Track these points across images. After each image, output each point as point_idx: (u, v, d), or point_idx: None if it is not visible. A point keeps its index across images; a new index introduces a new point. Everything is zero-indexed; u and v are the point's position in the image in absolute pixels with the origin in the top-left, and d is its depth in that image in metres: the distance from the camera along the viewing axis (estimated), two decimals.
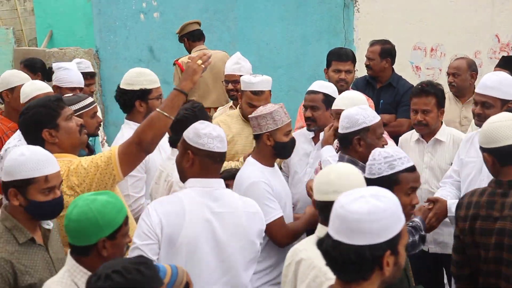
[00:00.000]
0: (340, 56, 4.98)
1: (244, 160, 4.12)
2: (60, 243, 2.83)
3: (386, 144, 3.43)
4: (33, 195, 2.57)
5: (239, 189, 3.43)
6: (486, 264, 2.91)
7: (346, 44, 6.83)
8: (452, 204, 3.46)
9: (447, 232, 3.94)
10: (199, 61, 3.04)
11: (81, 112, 3.64)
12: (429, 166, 4.11)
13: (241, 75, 4.56)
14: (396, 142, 4.30)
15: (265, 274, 3.47)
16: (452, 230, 3.84)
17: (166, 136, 3.58)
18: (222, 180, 2.97)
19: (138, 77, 3.95)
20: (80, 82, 4.85)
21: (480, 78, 3.90)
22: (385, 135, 3.67)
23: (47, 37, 9.90)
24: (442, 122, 4.17)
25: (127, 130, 3.81)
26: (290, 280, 2.57)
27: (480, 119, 3.68)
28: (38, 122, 3.02)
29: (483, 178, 3.66)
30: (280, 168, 4.08)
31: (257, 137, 3.56)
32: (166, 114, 2.93)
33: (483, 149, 3.02)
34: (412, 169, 2.85)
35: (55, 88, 4.64)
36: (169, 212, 2.80)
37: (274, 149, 3.51)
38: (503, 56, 5.73)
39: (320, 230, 2.53)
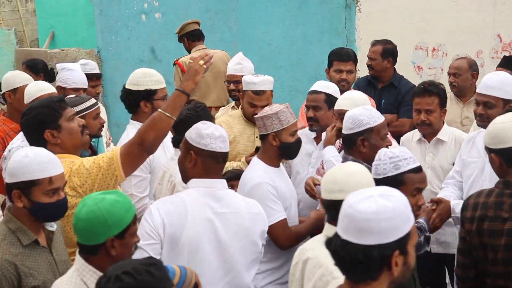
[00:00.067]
0: (342, 56, 4.99)
1: (246, 160, 4.13)
2: (63, 245, 2.82)
3: (391, 144, 3.42)
4: (37, 197, 2.56)
5: (243, 189, 3.42)
6: (494, 266, 2.88)
7: (348, 44, 6.83)
8: (455, 205, 3.45)
9: (449, 232, 3.94)
10: (201, 62, 3.04)
11: (84, 113, 3.63)
12: (431, 166, 4.11)
13: (243, 76, 4.56)
14: (398, 142, 4.30)
15: (271, 274, 3.48)
16: (454, 230, 3.85)
17: (171, 136, 3.59)
18: (224, 181, 2.97)
19: (143, 77, 3.95)
20: (84, 83, 4.85)
21: (482, 78, 3.90)
22: (388, 135, 3.67)
23: (49, 38, 9.91)
24: (443, 122, 4.17)
25: (132, 130, 3.81)
26: (297, 279, 2.57)
27: (482, 120, 3.67)
28: (40, 122, 3.02)
29: (485, 178, 3.66)
30: None
31: (262, 138, 3.55)
32: (168, 114, 2.93)
33: (490, 150, 3.00)
34: (418, 169, 2.84)
35: (59, 88, 4.64)
36: (171, 212, 2.80)
37: (280, 149, 3.50)
38: (504, 56, 5.73)
39: (328, 229, 2.53)
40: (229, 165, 4.05)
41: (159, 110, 2.96)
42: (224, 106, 6.11)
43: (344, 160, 3.36)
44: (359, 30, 7.00)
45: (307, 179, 3.88)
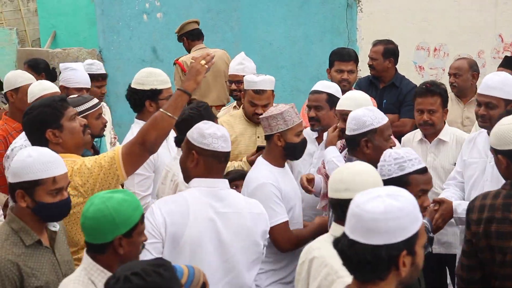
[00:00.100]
0: (343, 56, 4.99)
1: (247, 160, 4.13)
2: (66, 245, 2.82)
3: (394, 145, 3.39)
4: (40, 197, 2.55)
5: (247, 189, 3.42)
6: (502, 268, 2.85)
7: (349, 44, 6.83)
8: (457, 205, 3.44)
9: (451, 232, 3.94)
10: (203, 62, 3.04)
11: (86, 113, 3.63)
12: (432, 166, 4.10)
13: (244, 76, 4.56)
14: (399, 142, 4.29)
15: (274, 273, 3.47)
16: (456, 230, 3.84)
17: (175, 135, 3.59)
18: (226, 181, 2.97)
19: (148, 77, 3.96)
20: (87, 82, 4.85)
21: (483, 78, 3.89)
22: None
23: (51, 38, 9.91)
24: (445, 122, 4.17)
25: (137, 129, 3.79)
26: (303, 278, 2.57)
27: (484, 120, 3.66)
28: (42, 122, 3.02)
29: (487, 178, 3.66)
30: None
31: (267, 138, 3.54)
32: (169, 114, 2.93)
33: (496, 151, 2.97)
34: (423, 170, 2.82)
35: (62, 88, 4.64)
36: (173, 211, 2.80)
37: (285, 149, 3.49)
38: (506, 56, 5.72)
39: (334, 229, 2.53)
40: (231, 165, 4.04)
41: (161, 109, 2.96)
42: (224, 105, 6.13)
43: (348, 161, 3.33)
44: (360, 30, 7.00)
45: (301, 176, 3.88)
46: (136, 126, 3.93)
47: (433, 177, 4.01)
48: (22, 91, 4.42)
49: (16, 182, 2.56)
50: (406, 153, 2.84)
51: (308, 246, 2.63)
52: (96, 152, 3.65)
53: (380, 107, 5.09)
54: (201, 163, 2.88)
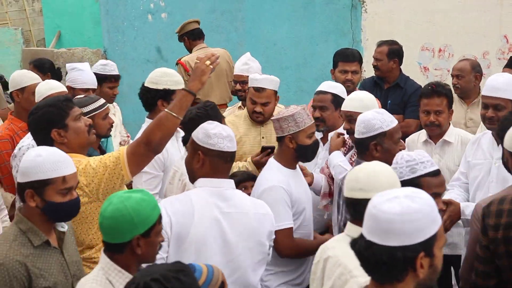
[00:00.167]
0: (347, 57, 4.98)
1: (252, 160, 4.13)
2: (74, 245, 2.82)
3: (404, 148, 3.37)
4: (50, 196, 2.54)
5: (257, 189, 3.42)
6: None
7: (354, 45, 6.83)
8: (465, 207, 3.41)
9: (456, 233, 3.93)
10: (208, 62, 3.04)
11: (93, 113, 3.64)
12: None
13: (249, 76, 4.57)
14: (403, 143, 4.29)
15: (284, 275, 3.47)
16: (461, 231, 3.83)
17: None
18: (232, 181, 2.96)
19: (163, 77, 3.98)
20: (93, 83, 4.86)
21: (488, 80, 3.86)
22: None
23: (55, 38, 9.93)
24: (450, 123, 4.15)
25: None
26: (318, 277, 2.56)
27: (492, 122, 3.64)
28: (47, 122, 3.02)
29: (492, 179, 3.64)
30: None
31: (279, 140, 3.52)
32: (174, 114, 2.92)
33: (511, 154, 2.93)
34: (436, 173, 2.80)
35: (68, 88, 4.64)
36: (178, 211, 2.80)
37: (296, 151, 3.47)
38: (511, 57, 5.71)
39: (349, 228, 2.53)
40: (235, 166, 4.04)
41: (166, 110, 2.96)
42: (226, 103, 6.13)
43: (357, 164, 3.28)
44: (365, 30, 7.00)
45: None
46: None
47: None
48: (28, 90, 4.42)
49: (25, 182, 2.54)
50: (419, 155, 2.82)
51: (323, 246, 2.63)
52: (103, 152, 3.65)
53: (384, 107, 5.07)
54: (207, 163, 2.87)
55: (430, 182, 2.76)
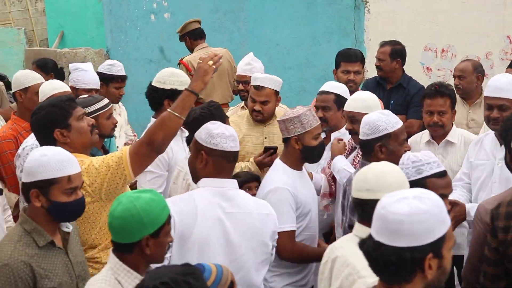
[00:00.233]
0: (349, 57, 4.98)
1: (255, 161, 4.13)
2: (79, 246, 2.81)
3: (409, 149, 3.35)
4: (55, 196, 2.53)
5: (262, 190, 3.42)
6: None
7: (357, 45, 6.82)
8: (470, 208, 3.40)
9: (459, 233, 3.91)
10: (210, 62, 3.05)
11: (97, 113, 3.64)
12: None
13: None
14: None
15: (289, 276, 3.46)
16: (464, 231, 3.82)
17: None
18: (235, 181, 2.96)
19: (170, 77, 3.98)
20: (96, 83, 4.85)
21: (490, 81, 3.85)
22: None
23: (58, 38, 9.94)
24: (453, 124, 4.15)
25: None
26: (326, 277, 2.56)
27: (496, 123, 3.62)
28: (50, 121, 3.03)
29: (495, 180, 3.64)
30: None
31: (285, 141, 3.51)
32: (177, 114, 2.93)
33: None
34: (442, 174, 2.79)
35: (71, 88, 4.63)
36: (181, 211, 2.80)
37: (302, 153, 3.46)
38: None
39: (357, 229, 2.53)
40: (237, 166, 4.04)
41: (168, 110, 2.97)
42: (228, 103, 6.14)
43: (362, 165, 3.25)
44: (368, 31, 6.99)
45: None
46: None
47: None
48: (31, 91, 4.42)
49: (30, 182, 2.54)
50: (425, 156, 2.81)
51: (332, 246, 2.63)
52: (106, 152, 3.65)
53: (387, 108, 5.08)
54: (210, 163, 2.87)
55: (436, 183, 2.74)
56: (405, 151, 3.23)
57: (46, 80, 4.67)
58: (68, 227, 2.68)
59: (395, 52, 5.39)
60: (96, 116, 3.61)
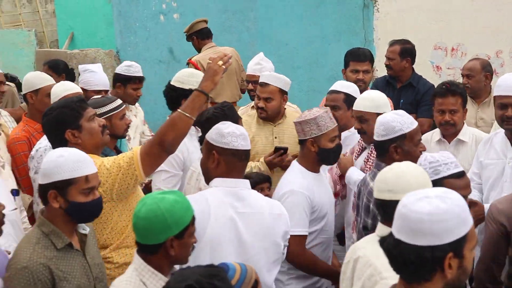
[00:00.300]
0: (358, 56, 4.98)
1: (265, 161, 4.13)
2: (96, 247, 2.82)
3: (425, 150, 3.34)
4: (73, 196, 2.54)
5: (279, 191, 3.41)
6: None
7: (366, 44, 6.80)
8: (487, 208, 3.38)
9: None
10: (220, 62, 3.05)
11: (111, 113, 3.66)
12: None
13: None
14: None
15: (306, 278, 3.46)
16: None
17: None
18: (247, 181, 2.96)
19: (190, 77, 3.98)
20: (105, 84, 4.86)
21: (500, 80, 3.82)
22: None
23: (68, 39, 9.97)
24: (464, 122, 4.13)
25: None
26: (348, 277, 2.56)
27: (510, 123, 3.61)
28: (61, 122, 3.04)
29: (506, 179, 3.62)
30: None
31: (301, 142, 3.50)
32: (187, 114, 2.93)
33: None
34: (460, 175, 2.78)
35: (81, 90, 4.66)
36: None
37: (318, 155, 3.44)
38: None
39: (380, 229, 2.52)
40: (247, 165, 4.03)
41: (179, 110, 2.97)
42: (236, 101, 6.15)
43: (377, 167, 3.26)
44: (377, 30, 6.97)
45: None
46: None
47: None
48: (41, 92, 4.43)
49: (48, 183, 2.54)
50: (442, 156, 2.79)
51: (354, 246, 2.63)
52: (119, 153, 3.67)
53: (397, 107, 5.07)
54: (222, 163, 2.88)
55: (454, 184, 2.71)
56: (420, 152, 3.22)
57: (58, 81, 4.70)
58: (85, 229, 2.68)
59: (405, 51, 5.37)
60: (110, 117, 3.63)
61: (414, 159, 3.01)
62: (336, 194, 3.93)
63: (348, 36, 7.08)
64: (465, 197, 2.79)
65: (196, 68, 6.08)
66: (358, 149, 3.92)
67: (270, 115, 4.35)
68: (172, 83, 4.03)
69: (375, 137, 3.30)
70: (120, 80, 4.91)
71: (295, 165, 3.52)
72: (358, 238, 3.31)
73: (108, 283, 2.72)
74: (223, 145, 2.86)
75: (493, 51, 6.48)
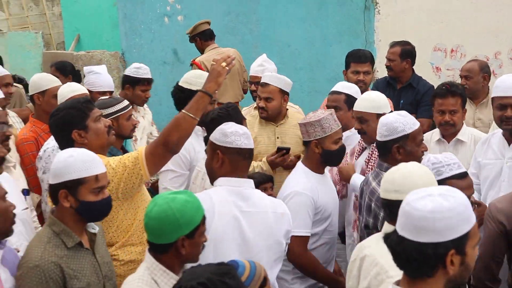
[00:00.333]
0: (359, 58, 4.98)
1: (267, 160, 4.14)
2: (105, 246, 2.83)
3: (426, 150, 3.34)
4: (84, 196, 2.54)
5: (282, 193, 3.41)
6: None
7: (367, 46, 6.81)
8: None
9: None
10: (223, 64, 3.06)
11: (118, 114, 3.67)
12: None
13: None
14: None
15: (308, 278, 3.45)
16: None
17: None
18: (251, 181, 2.96)
19: (198, 78, 3.98)
20: (110, 86, 4.87)
21: (499, 81, 3.82)
22: None
23: (75, 41, 10.00)
24: (463, 123, 4.13)
25: None
26: (354, 276, 2.56)
27: (509, 122, 3.61)
28: (68, 123, 3.04)
29: (503, 179, 3.62)
30: None
31: (306, 144, 3.51)
32: (191, 115, 2.95)
33: None
34: (462, 176, 2.78)
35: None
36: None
37: (322, 156, 3.44)
38: None
39: (386, 228, 2.53)
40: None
41: (183, 111, 2.98)
42: (239, 101, 6.16)
43: (379, 167, 3.27)
44: (378, 31, 6.98)
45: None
46: None
47: None
48: (48, 94, 4.44)
49: (59, 183, 2.54)
50: (445, 158, 2.80)
51: (360, 244, 2.64)
52: (125, 152, 3.68)
53: (397, 107, 5.08)
54: (227, 162, 2.88)
55: (457, 184, 2.67)
56: (422, 152, 3.22)
57: (64, 82, 4.70)
58: (94, 228, 2.69)
59: (405, 52, 5.38)
60: (117, 117, 3.64)
61: (416, 159, 3.01)
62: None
63: (349, 37, 7.09)
64: (468, 197, 2.79)
65: (200, 68, 6.09)
66: (359, 149, 3.93)
67: (270, 115, 4.35)
68: (180, 83, 4.03)
69: (378, 137, 3.30)
70: (129, 82, 4.91)
71: (300, 166, 3.52)
72: (360, 237, 3.32)
73: None
74: (227, 144, 2.87)
75: (491, 53, 6.48)
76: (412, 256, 1.77)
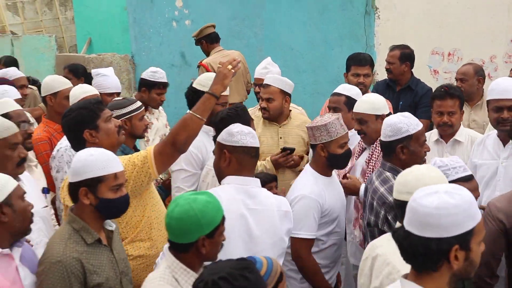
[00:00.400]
0: (359, 61, 4.97)
1: (271, 160, 4.14)
2: (121, 243, 2.83)
3: (429, 150, 3.33)
4: (103, 193, 2.55)
5: (290, 196, 3.41)
6: None
7: (367, 49, 6.79)
8: None
9: None
10: (229, 66, 3.07)
11: (131, 115, 3.67)
12: None
13: None
14: None
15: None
16: None
17: None
18: (258, 180, 2.96)
19: (210, 81, 3.95)
20: (117, 87, 4.86)
21: (493, 84, 3.80)
22: None
23: (86, 44, 10.03)
24: (461, 123, 4.12)
25: None
26: (365, 275, 2.56)
27: (506, 124, 3.60)
28: (80, 123, 3.05)
29: (499, 178, 3.62)
30: None
31: (312, 147, 3.50)
32: (198, 116, 2.96)
33: None
34: (468, 178, 2.77)
35: None
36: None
37: (328, 160, 3.43)
38: None
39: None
40: None
41: (190, 111, 3.00)
42: (243, 101, 6.16)
43: (383, 167, 3.25)
44: (378, 35, 6.96)
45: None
46: None
47: None
48: (60, 95, 4.45)
49: (79, 181, 2.55)
50: (451, 161, 2.79)
51: (372, 243, 2.63)
52: (137, 151, 3.68)
53: (396, 109, 5.07)
54: (234, 161, 2.89)
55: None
56: (425, 152, 3.21)
57: (77, 84, 4.71)
58: (112, 225, 2.70)
59: (404, 55, 5.37)
60: (130, 117, 3.66)
61: (419, 159, 3.00)
62: None
63: (350, 41, 7.07)
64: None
65: (207, 70, 6.10)
66: (359, 150, 3.92)
67: (272, 115, 4.35)
68: (194, 85, 4.05)
69: (382, 138, 3.28)
70: (145, 85, 4.90)
71: (308, 169, 3.51)
72: (364, 234, 3.31)
73: None
74: (233, 143, 2.87)
75: (487, 56, 6.46)
76: (417, 250, 1.79)
